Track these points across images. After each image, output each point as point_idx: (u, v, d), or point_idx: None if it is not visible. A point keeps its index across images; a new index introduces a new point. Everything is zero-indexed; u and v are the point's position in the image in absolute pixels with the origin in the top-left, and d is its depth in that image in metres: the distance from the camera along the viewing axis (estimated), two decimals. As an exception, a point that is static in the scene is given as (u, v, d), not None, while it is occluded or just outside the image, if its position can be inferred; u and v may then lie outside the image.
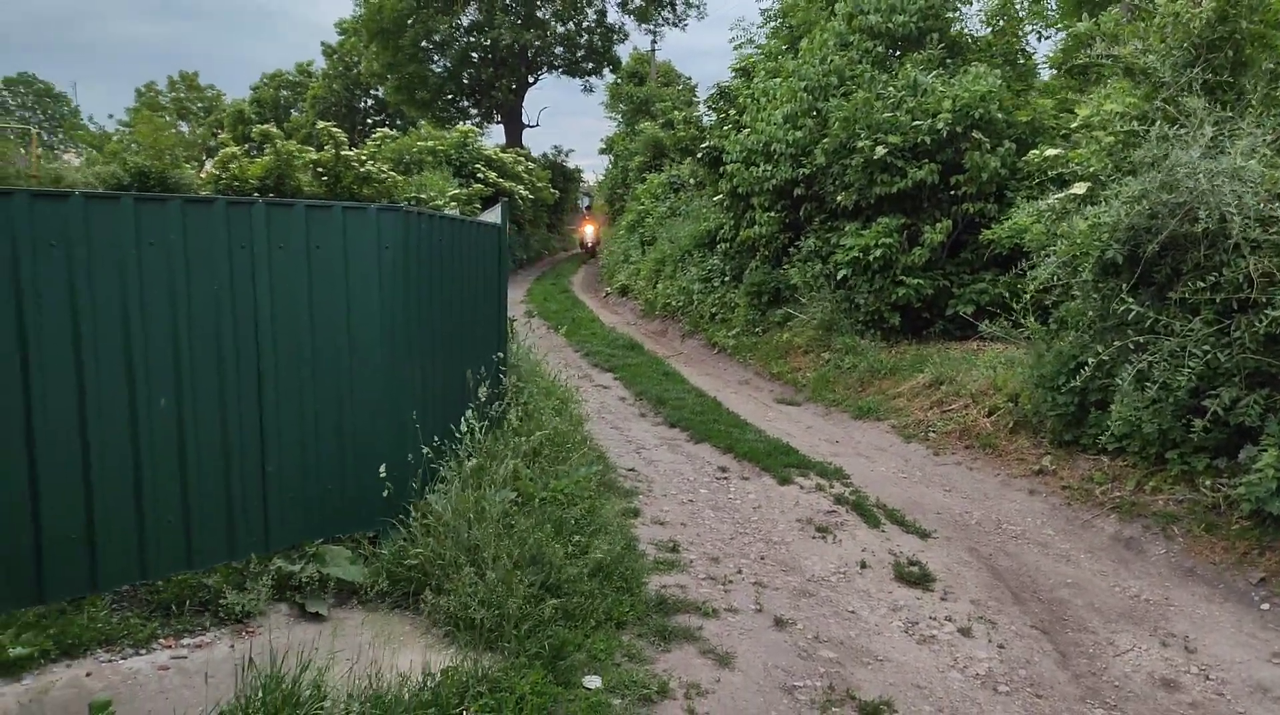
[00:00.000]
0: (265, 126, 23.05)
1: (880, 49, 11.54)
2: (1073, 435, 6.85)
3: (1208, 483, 5.70)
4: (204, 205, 3.90)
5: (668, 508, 6.15)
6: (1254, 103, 5.78)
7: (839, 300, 10.99)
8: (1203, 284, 5.41)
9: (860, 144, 10.16)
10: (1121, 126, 6.32)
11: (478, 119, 43.90)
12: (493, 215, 6.61)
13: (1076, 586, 5.14)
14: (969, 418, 8.05)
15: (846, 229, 10.91)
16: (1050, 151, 7.21)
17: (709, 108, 15.20)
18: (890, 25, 11.46)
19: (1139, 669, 4.26)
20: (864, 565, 5.30)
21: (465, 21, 37.52)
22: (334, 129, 22.74)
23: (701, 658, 3.98)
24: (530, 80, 40.27)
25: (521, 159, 31.35)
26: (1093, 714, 3.86)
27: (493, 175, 28.08)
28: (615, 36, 39.44)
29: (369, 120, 52.98)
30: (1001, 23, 11.69)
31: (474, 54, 40.46)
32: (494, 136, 46.86)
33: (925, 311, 10.61)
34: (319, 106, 51.51)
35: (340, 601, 4.19)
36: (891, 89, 10.63)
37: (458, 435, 4.76)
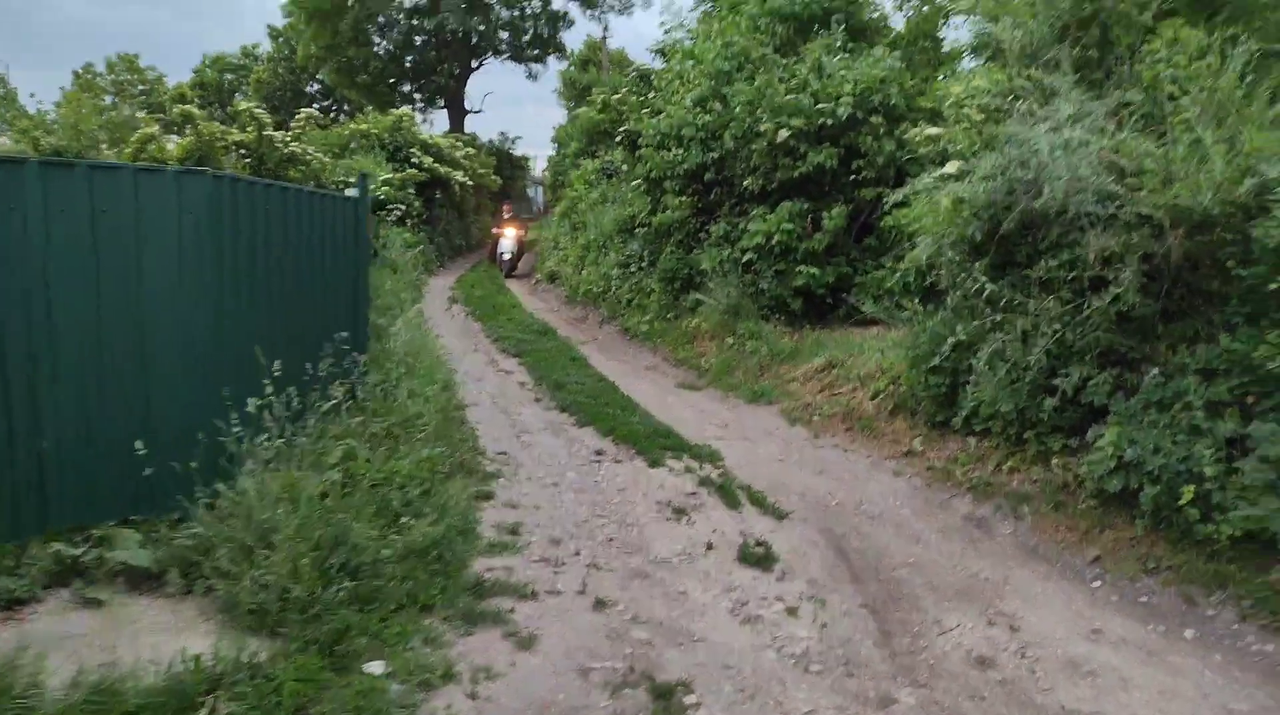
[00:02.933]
0: (186, 107, 22.40)
1: (788, 32, 11.47)
2: (944, 416, 6.83)
3: (1059, 463, 5.70)
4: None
5: (528, 491, 6.01)
6: (1114, 78, 5.78)
7: (745, 286, 10.92)
8: (1055, 262, 5.40)
9: (763, 127, 10.08)
10: (989, 104, 6.30)
11: (421, 104, 43.22)
12: (353, 190, 6.40)
13: (918, 566, 5.11)
14: (855, 401, 8.02)
15: (753, 214, 10.84)
16: (930, 130, 7.19)
17: (629, 91, 15.03)
18: (796, 8, 11.39)
19: (959, 647, 4.23)
20: (710, 546, 5.21)
21: (408, 3, 36.90)
22: (256, 110, 22.19)
23: (504, 641, 3.85)
24: (474, 65, 39.75)
25: (460, 144, 30.90)
26: (900, 692, 3.81)
27: (428, 160, 27.59)
28: (561, 23, 39.06)
29: (314, 105, 51.88)
30: (910, 8, 11.69)
31: (417, 38, 39.84)
32: (439, 122, 46.12)
33: (829, 297, 10.58)
34: (263, 91, 50.17)
35: (133, 587, 3.98)
36: (796, 72, 10.56)
37: (283, 415, 4.55)
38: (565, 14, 38.30)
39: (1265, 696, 3.82)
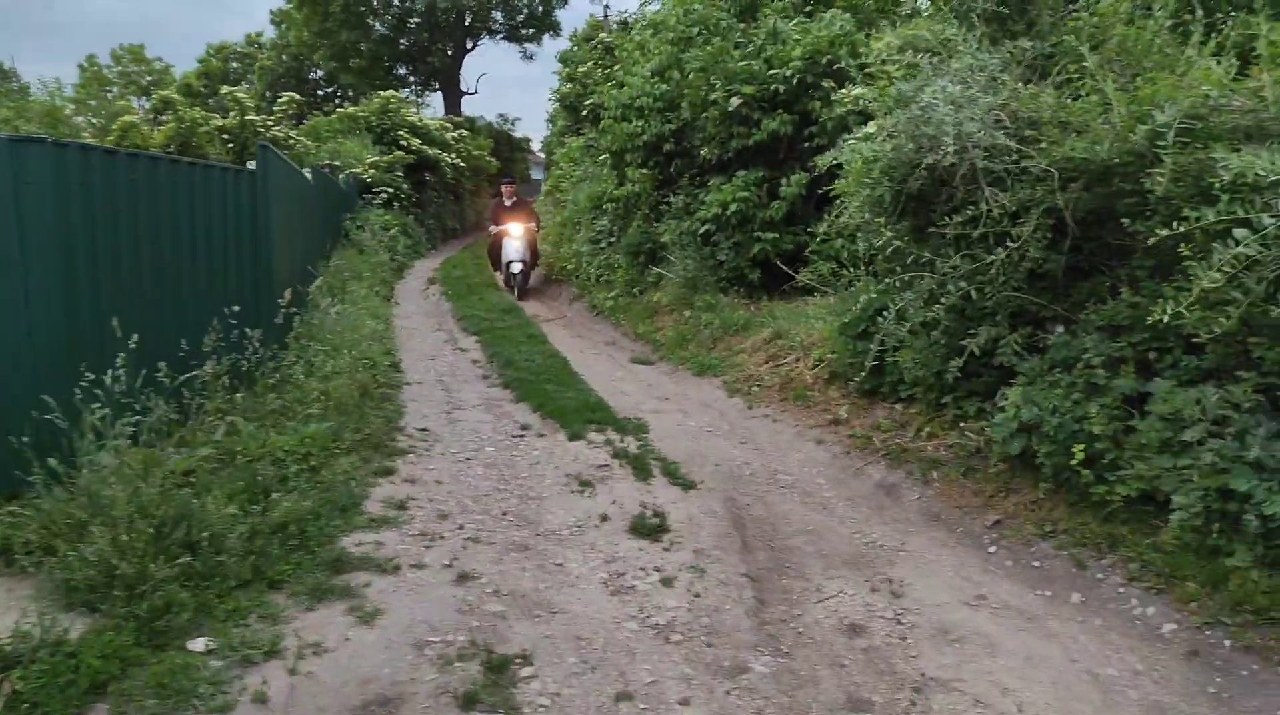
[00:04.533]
0: (165, 92, 22.41)
1: (745, -3, 11.21)
2: (872, 384, 6.67)
3: (972, 427, 5.54)
4: None
5: (435, 466, 5.91)
6: (1035, 29, 5.55)
7: (704, 258, 10.75)
8: (960, 219, 5.21)
9: (714, 95, 9.87)
10: (908, 60, 6.08)
11: (416, 87, 43.07)
12: (252, 164, 6.29)
13: (816, 534, 4.98)
14: (795, 371, 7.87)
15: (710, 184, 10.65)
16: (857, 90, 6.99)
17: (594, 64, 14.82)
18: (755, -29, 11.13)
19: (833, 615, 4.10)
20: (605, 517, 5.10)
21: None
22: (239, 94, 22.20)
23: (346, 615, 3.76)
24: (469, 46, 39.52)
25: (449, 126, 30.75)
26: (757, 661, 3.68)
27: (416, 142, 27.45)
28: (555, 1, 38.72)
29: (318, 92, 51.71)
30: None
31: (410, 20, 39.61)
32: (435, 106, 45.86)
33: (788, 267, 10.39)
34: (267, 78, 49.90)
35: (-17, 565, 3.91)
36: (753, 38, 10.32)
37: (144, 389, 4.46)
38: (558, -9, 37.96)
39: (1137, 660, 3.67)
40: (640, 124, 11.74)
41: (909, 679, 3.58)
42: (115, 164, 4.53)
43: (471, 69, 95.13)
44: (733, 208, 10.04)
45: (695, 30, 10.98)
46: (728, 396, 7.97)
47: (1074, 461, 4.48)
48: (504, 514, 5.16)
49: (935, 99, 5.06)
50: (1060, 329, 4.95)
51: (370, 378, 7.11)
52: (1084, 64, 4.83)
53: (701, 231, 10.59)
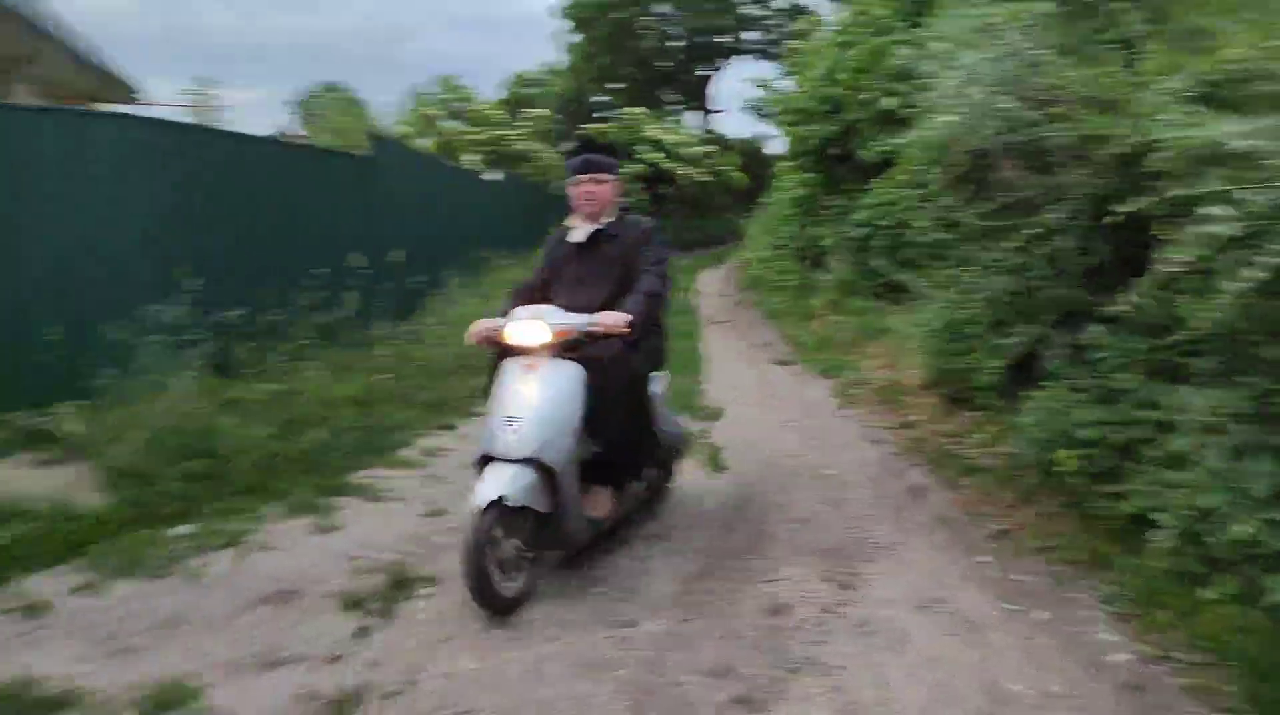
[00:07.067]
0: (426, 111, 25.16)
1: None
2: (957, 389, 6.27)
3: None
4: None
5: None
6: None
7: (858, 262, 10.48)
8: (992, 205, 4.83)
9: (861, 97, 9.63)
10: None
11: (674, 106, 44.64)
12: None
13: (810, 524, 4.81)
14: (901, 375, 7.53)
15: (870, 187, 10.37)
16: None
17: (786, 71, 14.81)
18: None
19: (766, 595, 4.01)
20: (611, 486, 5.28)
21: (659, 9, 38.42)
22: (489, 111, 24.44)
23: (309, 527, 4.30)
24: (719, 66, 40.49)
25: (693, 141, 31.67)
26: (654, 620, 3.73)
27: (657, 157, 28.62)
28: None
29: (593, 115, 55.18)
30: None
31: (667, 43, 41.27)
32: (689, 124, 47.19)
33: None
34: (555, 103, 53.73)
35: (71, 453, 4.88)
36: (915, 38, 9.92)
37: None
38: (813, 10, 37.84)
39: (1061, 684, 3.27)
40: (814, 127, 11.66)
41: (792, 660, 3.47)
42: (217, 140, 5.49)
43: (725, 88, 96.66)
44: (885, 211, 9.72)
45: (863, 32, 10.74)
46: (830, 397, 7.78)
47: (1071, 470, 4.04)
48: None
49: (979, 73, 4.77)
50: (1098, 328, 4.44)
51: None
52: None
53: (857, 235, 10.34)
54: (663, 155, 29.12)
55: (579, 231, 4.11)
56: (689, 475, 5.58)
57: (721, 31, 38.37)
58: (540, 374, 3.52)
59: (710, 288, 18.06)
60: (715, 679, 3.33)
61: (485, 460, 3.48)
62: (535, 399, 3.44)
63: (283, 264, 6.04)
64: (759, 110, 19.90)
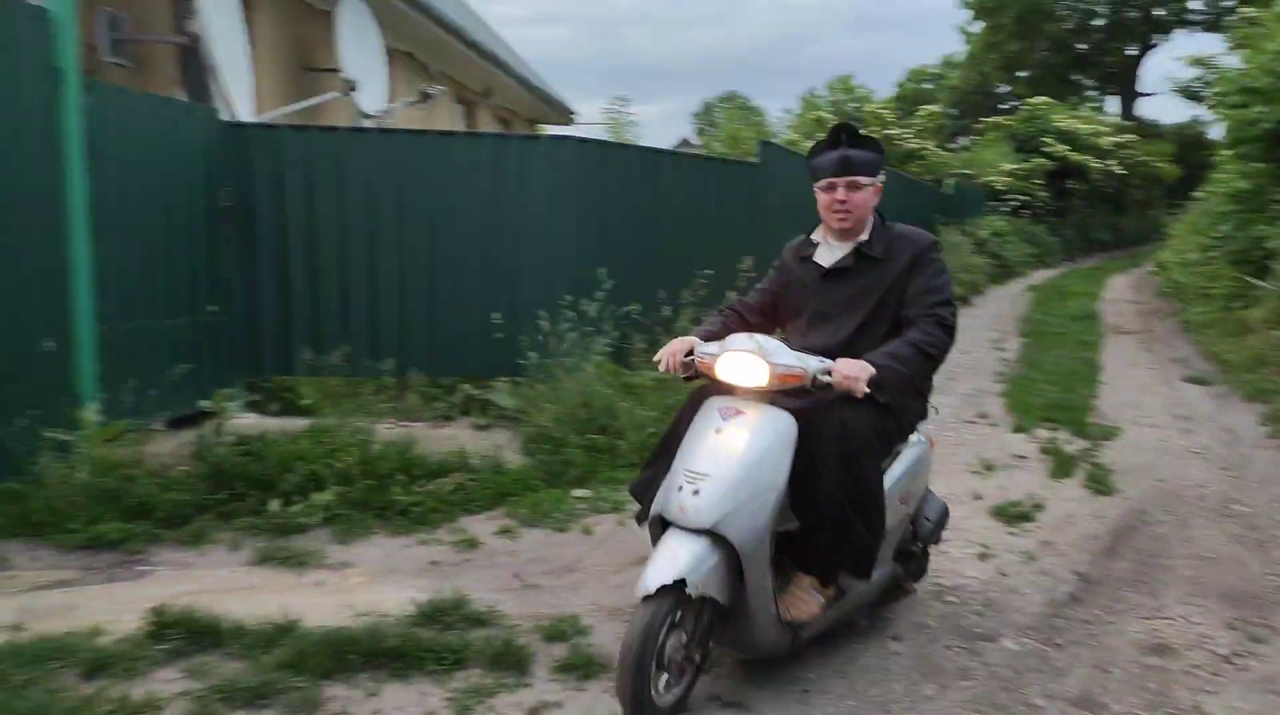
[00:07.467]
0: (816, 112, 25.49)
1: None
2: None
3: None
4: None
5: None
6: None
7: (1315, 268, 8.80)
8: None
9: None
10: None
11: (1094, 92, 40.36)
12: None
13: (1212, 564, 4.27)
14: (1363, 405, 6.25)
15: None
16: None
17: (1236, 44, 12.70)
18: None
19: (1149, 633, 3.66)
20: (978, 496, 5.09)
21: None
22: (879, 110, 24.20)
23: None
24: (1154, 43, 35.74)
25: (1108, 130, 28.48)
26: (1015, 640, 3.60)
27: (1062, 148, 26.35)
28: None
29: (999, 106, 51.78)
30: None
31: (1093, 20, 37.44)
32: (1110, 110, 42.34)
33: None
34: (951, 97, 51.36)
35: (499, 421, 5.85)
36: None
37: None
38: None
39: None
40: (1261, 109, 9.98)
41: (1173, 704, 3.15)
42: (627, 155, 6.21)
43: (1155, 68, 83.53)
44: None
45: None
46: (1258, 424, 6.70)
47: None
48: (890, 476, 5.51)
49: None
50: None
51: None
52: None
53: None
54: (1068, 147, 26.65)
55: (828, 250, 3.23)
56: (1067, 491, 5.21)
57: (1160, 2, 33.90)
58: (749, 422, 2.71)
59: (1119, 293, 16.14)
60: (1077, 708, 3.15)
61: (662, 523, 2.70)
62: (736, 454, 2.64)
63: (677, 265, 6.65)
64: (1191, 93, 17.32)
